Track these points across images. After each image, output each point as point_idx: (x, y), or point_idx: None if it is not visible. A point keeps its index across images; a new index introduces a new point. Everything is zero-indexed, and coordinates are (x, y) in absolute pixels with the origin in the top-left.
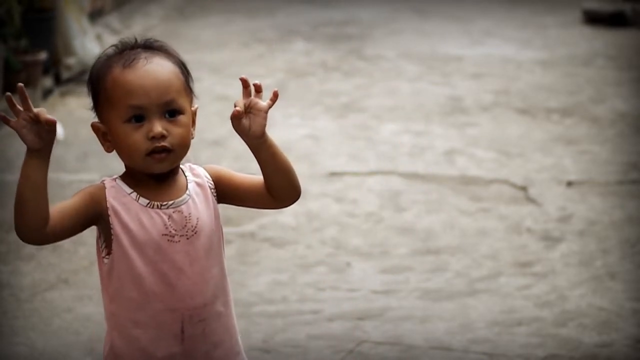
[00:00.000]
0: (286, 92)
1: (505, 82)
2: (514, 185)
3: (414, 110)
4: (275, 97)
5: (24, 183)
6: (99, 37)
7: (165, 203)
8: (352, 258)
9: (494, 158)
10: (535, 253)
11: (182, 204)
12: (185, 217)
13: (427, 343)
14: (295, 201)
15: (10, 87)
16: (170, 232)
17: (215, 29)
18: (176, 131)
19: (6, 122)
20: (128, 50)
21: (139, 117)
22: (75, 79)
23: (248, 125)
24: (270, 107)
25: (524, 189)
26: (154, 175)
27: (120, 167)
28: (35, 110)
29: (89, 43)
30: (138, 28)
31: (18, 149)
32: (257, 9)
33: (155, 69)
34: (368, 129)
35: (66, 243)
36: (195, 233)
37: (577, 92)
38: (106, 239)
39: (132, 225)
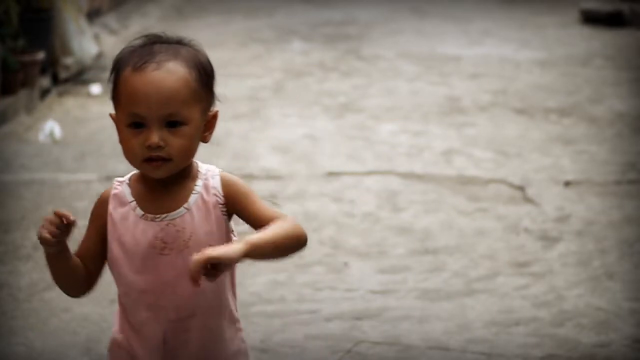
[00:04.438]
0: (284, 92)
1: (503, 82)
2: (511, 185)
3: (412, 110)
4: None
5: (55, 273)
6: (96, 37)
7: (159, 215)
8: (350, 258)
9: (492, 158)
10: (533, 253)
11: (177, 217)
12: (178, 230)
13: (425, 343)
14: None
15: (9, 86)
16: (159, 245)
17: (213, 29)
18: (175, 142)
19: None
20: (149, 46)
21: (140, 124)
22: (72, 79)
23: (225, 261)
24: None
25: (521, 189)
26: (162, 179)
27: (116, 167)
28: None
29: (87, 43)
30: (136, 28)
31: (16, 149)
32: (255, 9)
33: (162, 78)
34: (366, 129)
35: None
36: (187, 247)
37: (575, 92)
38: None
39: (125, 236)
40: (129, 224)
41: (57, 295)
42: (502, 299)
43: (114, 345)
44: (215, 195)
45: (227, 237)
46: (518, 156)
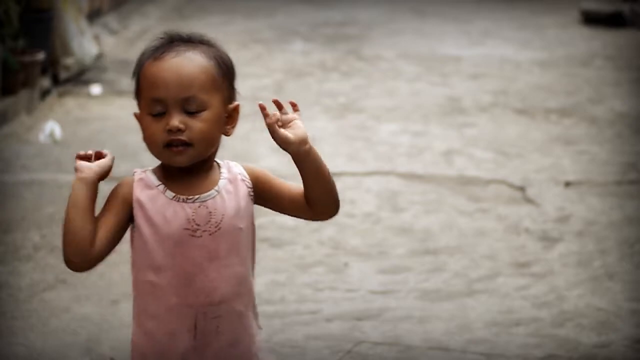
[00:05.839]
0: (284, 92)
1: (503, 83)
2: (512, 186)
3: (412, 110)
4: (295, 107)
5: (71, 208)
6: (96, 38)
7: (191, 197)
8: (351, 258)
9: (493, 158)
10: (533, 253)
11: (209, 199)
12: (210, 212)
13: (426, 343)
14: (332, 216)
15: (9, 87)
16: (192, 226)
17: (214, 30)
18: (196, 125)
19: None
20: (168, 44)
21: (161, 110)
22: (73, 79)
23: (291, 133)
24: (299, 115)
25: (522, 189)
26: (184, 168)
27: (116, 167)
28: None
29: (87, 43)
30: (136, 28)
31: (17, 149)
32: (255, 10)
33: (181, 63)
34: (366, 129)
35: None
36: (218, 229)
37: (575, 92)
38: (133, 229)
39: (156, 217)
40: (159, 205)
41: (57, 295)
42: (502, 300)
43: (137, 353)
44: (243, 180)
45: (253, 224)
46: (518, 156)
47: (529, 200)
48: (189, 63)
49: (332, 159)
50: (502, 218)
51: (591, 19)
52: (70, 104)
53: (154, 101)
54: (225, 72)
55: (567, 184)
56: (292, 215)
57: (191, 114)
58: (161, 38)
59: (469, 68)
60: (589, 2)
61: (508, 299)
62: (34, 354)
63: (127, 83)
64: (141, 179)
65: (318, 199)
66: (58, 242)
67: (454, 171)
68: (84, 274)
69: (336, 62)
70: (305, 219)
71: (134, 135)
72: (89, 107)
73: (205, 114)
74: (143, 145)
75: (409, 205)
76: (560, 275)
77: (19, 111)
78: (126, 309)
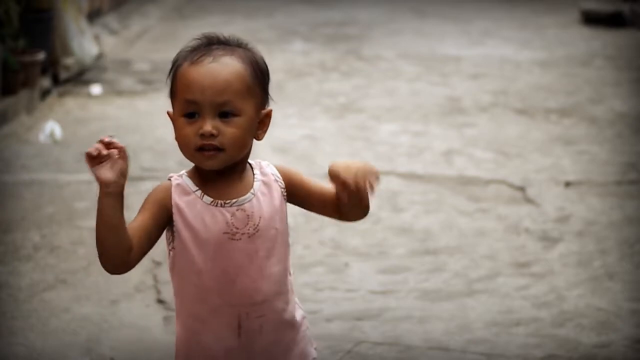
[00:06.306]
0: (285, 92)
1: (503, 83)
2: (512, 186)
3: (412, 110)
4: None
5: (102, 225)
6: (96, 38)
7: (228, 201)
8: (351, 258)
9: (493, 158)
10: (533, 253)
11: (246, 202)
12: (248, 215)
13: (426, 343)
14: (361, 219)
15: (9, 87)
16: (231, 230)
17: (214, 30)
18: (228, 131)
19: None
20: (205, 46)
21: (194, 113)
22: (73, 79)
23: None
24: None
25: (522, 189)
26: (217, 171)
27: None
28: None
29: (87, 43)
30: (136, 28)
31: (16, 149)
32: (255, 10)
33: (218, 69)
34: (366, 129)
35: (65, 243)
36: (257, 231)
37: (575, 92)
38: (172, 233)
39: (195, 223)
40: (197, 211)
41: (57, 295)
42: (502, 300)
43: (181, 354)
44: (276, 180)
45: (287, 222)
46: (518, 156)
47: (529, 200)
48: (226, 69)
49: (332, 159)
50: (502, 218)
51: (591, 19)
52: (70, 104)
53: (188, 103)
54: (260, 78)
55: (567, 184)
56: (320, 214)
57: (224, 118)
58: (198, 40)
59: (469, 68)
60: (589, 2)
61: (508, 299)
62: (34, 354)
63: (127, 83)
64: (178, 185)
65: (352, 213)
66: (58, 242)
67: (454, 171)
68: (84, 274)
69: (336, 62)
70: (333, 218)
71: (134, 135)
72: (89, 107)
73: (238, 120)
74: (143, 145)
75: (409, 205)
76: (560, 275)
77: (19, 111)
78: (126, 309)
